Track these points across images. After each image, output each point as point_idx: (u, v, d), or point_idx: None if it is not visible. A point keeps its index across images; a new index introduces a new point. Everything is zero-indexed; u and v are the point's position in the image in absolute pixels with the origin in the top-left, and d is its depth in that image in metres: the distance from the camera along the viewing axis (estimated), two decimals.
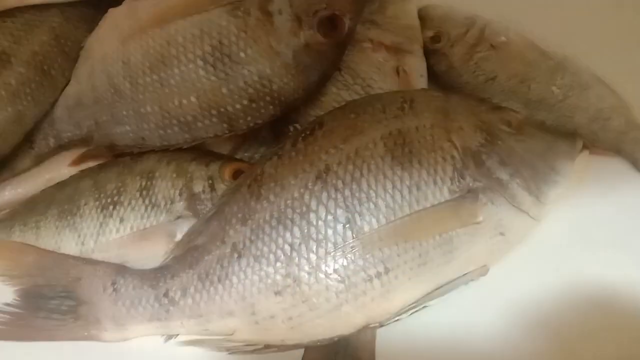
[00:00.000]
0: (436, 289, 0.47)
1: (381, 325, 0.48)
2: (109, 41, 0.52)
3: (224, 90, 0.49)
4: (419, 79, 0.59)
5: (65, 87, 0.55)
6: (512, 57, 0.59)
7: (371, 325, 0.47)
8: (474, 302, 0.51)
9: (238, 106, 0.50)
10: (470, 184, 0.47)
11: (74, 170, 0.55)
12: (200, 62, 0.49)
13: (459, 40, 0.61)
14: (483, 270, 0.48)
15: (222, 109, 0.50)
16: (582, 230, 0.55)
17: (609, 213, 0.55)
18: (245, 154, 0.57)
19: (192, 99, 0.50)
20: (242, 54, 0.49)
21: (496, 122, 0.50)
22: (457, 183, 0.47)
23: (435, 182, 0.47)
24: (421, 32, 0.61)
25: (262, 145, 0.57)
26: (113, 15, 0.53)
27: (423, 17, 0.62)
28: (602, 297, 0.53)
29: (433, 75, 0.61)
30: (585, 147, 0.53)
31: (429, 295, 0.46)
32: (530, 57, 0.59)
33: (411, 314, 0.47)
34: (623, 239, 0.55)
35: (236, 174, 0.51)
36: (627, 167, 0.57)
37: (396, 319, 0.47)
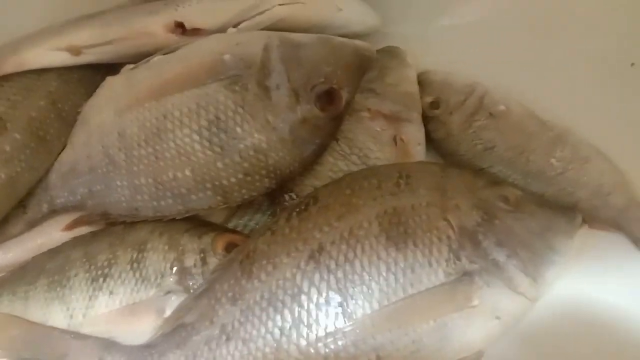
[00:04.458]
0: None
1: None
2: (105, 111, 0.52)
3: (219, 164, 0.49)
4: (417, 147, 0.59)
5: (61, 152, 0.55)
6: (511, 126, 0.59)
7: None
8: None
9: (233, 180, 0.50)
10: (466, 266, 0.46)
11: (66, 236, 0.54)
12: (195, 137, 0.49)
13: (458, 108, 0.60)
14: (477, 356, 0.47)
15: (216, 183, 0.50)
16: (579, 307, 0.54)
17: (607, 290, 0.54)
18: (240, 221, 0.56)
19: (187, 172, 0.49)
20: (238, 129, 0.49)
21: (494, 199, 0.50)
22: (453, 265, 0.46)
23: (430, 264, 0.46)
24: (420, 98, 0.61)
25: (256, 212, 0.56)
26: (110, 84, 0.54)
27: (422, 82, 0.62)
28: None
29: (431, 142, 0.61)
30: (584, 221, 0.52)
31: None
32: (529, 127, 0.59)
33: None
34: (621, 317, 0.54)
35: (229, 247, 0.50)
36: (627, 243, 0.56)
37: None
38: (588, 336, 0.53)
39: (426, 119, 0.61)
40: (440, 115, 0.61)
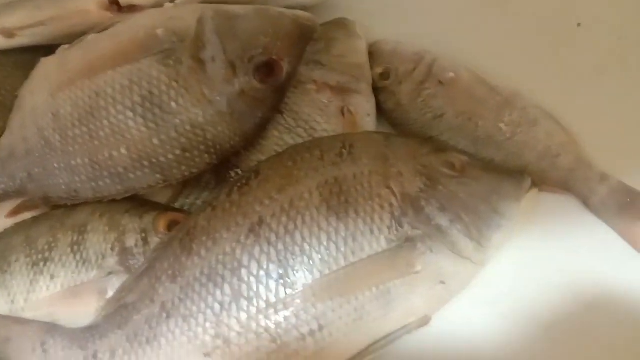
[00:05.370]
0: (374, 344, 0.45)
1: None
2: (39, 92, 0.51)
3: (155, 140, 0.48)
4: (366, 118, 0.58)
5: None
6: (460, 93, 0.58)
7: None
8: None
9: (171, 156, 0.49)
10: (409, 232, 0.46)
11: (10, 222, 0.54)
12: (129, 114, 0.48)
13: (407, 77, 0.60)
14: (424, 321, 0.47)
15: (154, 160, 0.49)
16: (531, 269, 0.54)
17: (559, 251, 0.54)
18: (187, 200, 0.55)
19: (123, 150, 0.48)
20: (173, 104, 0.48)
21: (438, 165, 0.49)
22: (395, 232, 0.46)
23: (372, 232, 0.45)
24: (371, 68, 0.61)
25: (203, 190, 0.55)
26: (44, 65, 0.52)
27: (373, 52, 0.62)
28: None
29: (383, 113, 0.61)
30: (534, 184, 0.52)
31: (367, 351, 0.45)
32: (478, 93, 0.58)
33: None
34: (574, 278, 0.54)
35: (172, 226, 0.50)
36: (577, 204, 0.56)
37: None
38: (540, 296, 0.53)
39: (377, 90, 0.60)
40: (389, 85, 0.60)
